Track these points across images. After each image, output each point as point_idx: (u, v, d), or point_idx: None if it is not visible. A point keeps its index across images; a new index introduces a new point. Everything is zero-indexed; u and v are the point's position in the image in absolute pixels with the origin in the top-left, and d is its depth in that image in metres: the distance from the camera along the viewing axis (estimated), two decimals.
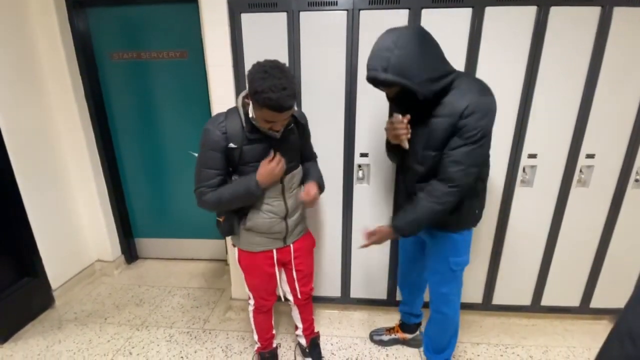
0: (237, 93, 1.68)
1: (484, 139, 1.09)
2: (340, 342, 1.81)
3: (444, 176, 1.13)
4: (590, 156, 1.62)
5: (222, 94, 1.69)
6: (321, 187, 1.33)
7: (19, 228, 1.89)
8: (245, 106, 1.15)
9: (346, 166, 1.74)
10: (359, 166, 1.73)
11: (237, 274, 2.05)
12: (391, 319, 1.92)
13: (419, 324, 1.75)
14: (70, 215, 2.24)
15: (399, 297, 1.83)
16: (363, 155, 1.71)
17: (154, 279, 2.40)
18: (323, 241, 1.88)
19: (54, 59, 2.00)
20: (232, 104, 1.70)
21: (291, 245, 1.37)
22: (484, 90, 1.10)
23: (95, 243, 2.41)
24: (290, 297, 1.51)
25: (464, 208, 1.22)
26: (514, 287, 1.88)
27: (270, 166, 1.12)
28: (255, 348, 1.60)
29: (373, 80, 1.08)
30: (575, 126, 1.58)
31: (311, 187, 1.25)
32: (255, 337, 1.56)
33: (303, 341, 1.65)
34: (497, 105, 1.10)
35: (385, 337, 1.78)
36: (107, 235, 2.39)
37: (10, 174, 1.81)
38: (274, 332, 1.60)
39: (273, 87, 0.96)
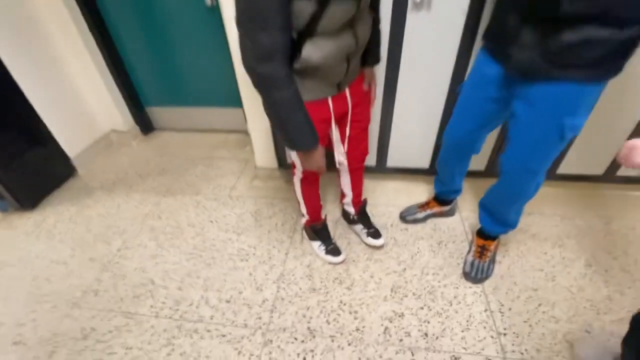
0: None
1: None
2: (373, 209, 1.67)
3: None
4: None
5: None
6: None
7: (13, 99, 1.69)
8: None
9: None
10: None
11: (260, 143, 1.84)
12: (432, 189, 1.74)
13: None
14: (68, 86, 2.02)
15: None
16: None
17: (174, 150, 2.26)
18: None
19: None
20: None
21: (347, 90, 1.04)
22: None
23: (103, 112, 2.23)
24: (344, 159, 1.26)
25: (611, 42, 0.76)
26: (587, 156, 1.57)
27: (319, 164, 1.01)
28: (304, 221, 1.47)
29: None
30: None
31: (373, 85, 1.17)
32: (303, 209, 1.40)
33: (351, 210, 1.50)
34: None
35: (420, 214, 1.57)
36: (113, 104, 2.20)
37: None
38: (321, 202, 1.43)
39: None
